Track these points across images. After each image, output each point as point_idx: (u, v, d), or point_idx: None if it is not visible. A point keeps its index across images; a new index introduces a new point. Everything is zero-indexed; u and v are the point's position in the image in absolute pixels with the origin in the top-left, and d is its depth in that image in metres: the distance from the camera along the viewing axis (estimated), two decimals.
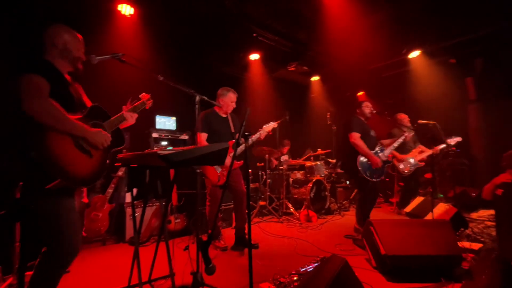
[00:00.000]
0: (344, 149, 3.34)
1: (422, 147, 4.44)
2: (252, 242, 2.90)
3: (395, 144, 3.37)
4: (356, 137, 3.13)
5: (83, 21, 3.27)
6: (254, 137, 2.89)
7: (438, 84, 5.64)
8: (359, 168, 3.09)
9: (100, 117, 1.60)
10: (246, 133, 1.38)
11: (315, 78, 6.45)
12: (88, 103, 1.64)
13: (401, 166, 4.30)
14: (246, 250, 2.62)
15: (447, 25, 4.49)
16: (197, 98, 1.89)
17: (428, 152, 4.33)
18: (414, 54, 5.27)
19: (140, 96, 1.97)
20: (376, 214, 3.33)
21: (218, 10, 3.95)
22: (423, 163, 4.35)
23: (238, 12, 4.07)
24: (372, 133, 3.35)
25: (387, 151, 3.26)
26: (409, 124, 4.39)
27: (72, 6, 3.16)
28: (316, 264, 2.11)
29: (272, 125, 2.97)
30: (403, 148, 4.28)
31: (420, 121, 4.28)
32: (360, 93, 7.20)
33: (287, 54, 5.26)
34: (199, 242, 1.37)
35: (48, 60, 1.48)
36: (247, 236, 2.72)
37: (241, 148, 2.74)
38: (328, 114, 5.39)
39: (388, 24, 4.44)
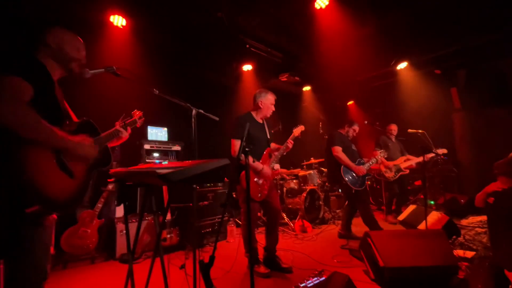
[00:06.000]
0: (329, 161, 3.63)
1: (409, 156, 4.61)
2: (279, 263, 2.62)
3: (371, 162, 3.61)
4: (338, 150, 3.41)
5: (74, 32, 3.21)
6: (282, 149, 2.63)
7: (424, 94, 5.84)
8: (343, 176, 3.33)
9: (90, 133, 1.45)
10: (246, 149, 1.36)
11: (307, 88, 6.54)
12: (73, 115, 1.51)
13: (387, 171, 4.44)
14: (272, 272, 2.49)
15: (432, 38, 4.69)
16: (194, 112, 1.86)
17: (415, 160, 4.49)
18: (402, 65, 5.45)
19: (132, 113, 1.91)
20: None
21: (211, 21, 3.97)
22: (407, 171, 4.50)
23: (231, 23, 4.11)
24: (353, 147, 3.64)
25: (366, 166, 3.51)
26: (395, 134, 4.63)
27: (63, 17, 3.10)
28: (315, 278, 2.08)
29: (300, 128, 2.78)
30: (389, 158, 4.45)
31: (410, 130, 4.43)
32: (350, 103, 7.37)
33: (279, 65, 5.33)
34: (201, 265, 1.31)
35: (40, 61, 1.29)
36: (277, 259, 2.60)
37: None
38: (320, 123, 5.46)
39: (376, 37, 4.59)
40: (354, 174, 3.40)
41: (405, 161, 4.54)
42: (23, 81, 1.13)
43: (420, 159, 4.43)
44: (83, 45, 1.47)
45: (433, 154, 4.32)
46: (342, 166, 3.38)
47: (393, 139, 4.65)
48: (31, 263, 1.16)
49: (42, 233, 1.21)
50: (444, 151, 4.41)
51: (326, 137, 5.42)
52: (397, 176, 4.44)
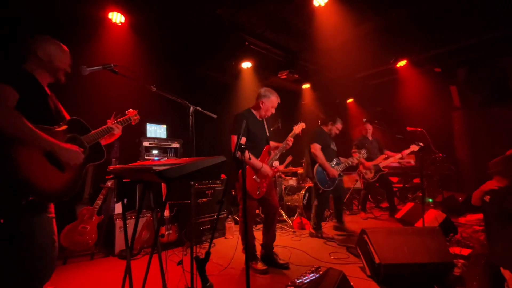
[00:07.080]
0: (306, 156, 3.68)
1: (388, 153, 4.61)
2: (279, 260, 2.62)
3: (346, 164, 3.66)
4: (316, 148, 3.41)
5: (73, 29, 3.21)
6: (282, 146, 2.65)
7: (424, 92, 5.83)
8: (315, 175, 3.37)
9: (79, 130, 1.53)
10: (243, 146, 1.37)
11: (306, 85, 6.53)
12: (67, 116, 1.57)
13: (366, 173, 4.49)
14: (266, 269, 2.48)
15: (432, 36, 4.67)
16: (191, 109, 1.87)
17: (394, 157, 4.48)
18: (401, 63, 5.44)
19: (126, 112, 1.92)
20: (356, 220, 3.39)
21: (210, 18, 3.96)
22: (386, 170, 4.51)
23: (230, 20, 4.10)
24: (333, 146, 3.63)
25: (341, 167, 3.54)
26: (371, 133, 4.63)
27: (61, 14, 3.09)
28: (312, 275, 2.10)
29: (300, 125, 2.77)
30: (369, 158, 4.44)
31: (408, 128, 4.42)
32: (349, 100, 7.36)
33: (279, 63, 5.31)
34: (197, 260, 1.33)
35: (25, 69, 1.41)
36: (275, 256, 2.62)
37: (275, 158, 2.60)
38: (319, 121, 5.46)
39: (376, 34, 4.58)
40: (325, 173, 3.42)
41: (384, 159, 4.52)
42: (9, 87, 1.23)
43: (399, 155, 4.45)
44: (68, 54, 1.56)
45: (410, 150, 4.28)
46: (317, 164, 3.41)
47: (370, 138, 4.64)
48: (36, 249, 1.26)
49: (45, 222, 1.32)
50: (405, 152, 4.38)
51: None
52: (376, 177, 4.45)
